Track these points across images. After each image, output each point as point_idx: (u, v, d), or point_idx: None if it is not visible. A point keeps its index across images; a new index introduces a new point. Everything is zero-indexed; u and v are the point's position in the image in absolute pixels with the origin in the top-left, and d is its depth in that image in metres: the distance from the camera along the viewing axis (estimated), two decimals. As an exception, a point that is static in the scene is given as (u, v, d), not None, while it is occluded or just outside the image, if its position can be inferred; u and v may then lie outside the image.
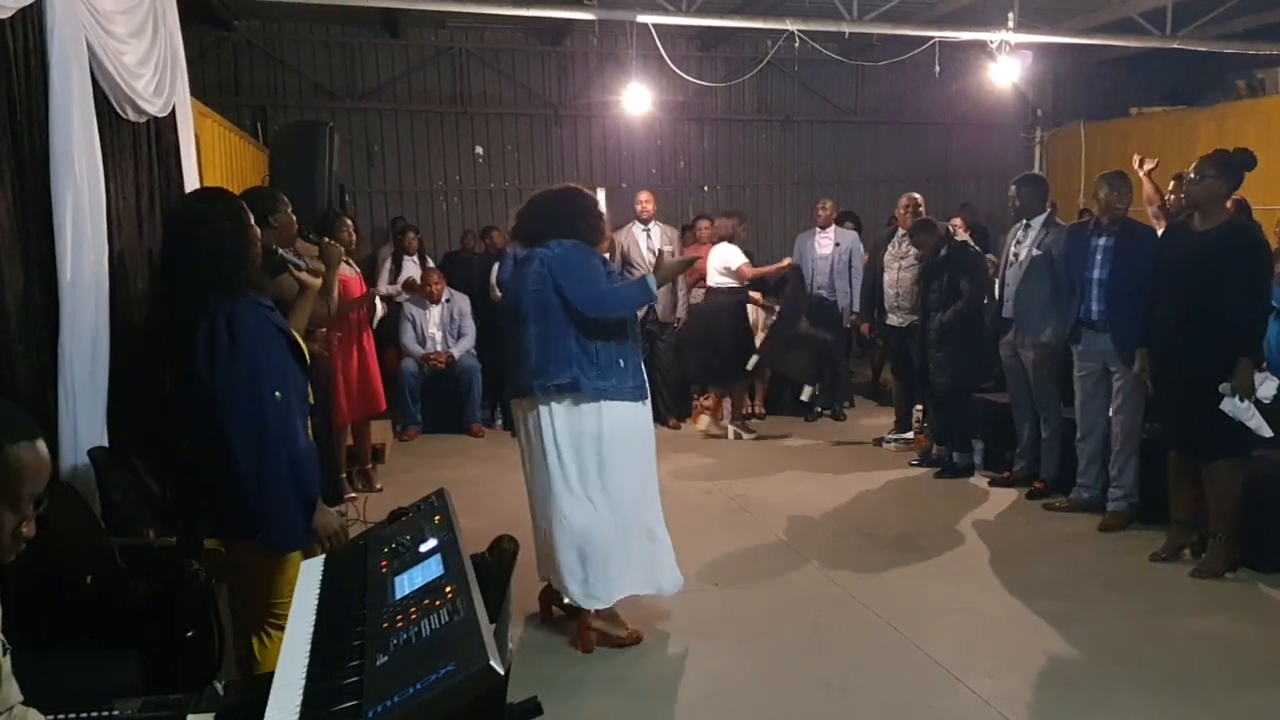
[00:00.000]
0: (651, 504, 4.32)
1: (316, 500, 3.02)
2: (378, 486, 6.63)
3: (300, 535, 2.97)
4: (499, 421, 8.53)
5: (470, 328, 8.48)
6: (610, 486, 4.13)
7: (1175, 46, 9.33)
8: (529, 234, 4.31)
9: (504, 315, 4.45)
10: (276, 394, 2.88)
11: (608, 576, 4.14)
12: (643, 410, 4.24)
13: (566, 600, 4.27)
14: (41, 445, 1.82)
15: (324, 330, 5.14)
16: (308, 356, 3.21)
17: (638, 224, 8.40)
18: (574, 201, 4.31)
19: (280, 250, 3.62)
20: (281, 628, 2.99)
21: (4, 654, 1.84)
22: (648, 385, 4.28)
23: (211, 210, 3.07)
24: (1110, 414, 5.66)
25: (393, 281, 8.73)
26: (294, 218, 4.30)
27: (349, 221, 6.51)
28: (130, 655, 2.92)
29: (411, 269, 8.78)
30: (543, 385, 4.08)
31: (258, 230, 3.13)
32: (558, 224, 4.21)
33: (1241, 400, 4.64)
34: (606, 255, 4.50)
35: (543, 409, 4.11)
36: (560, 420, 4.10)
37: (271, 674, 1.90)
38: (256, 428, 2.86)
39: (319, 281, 3.59)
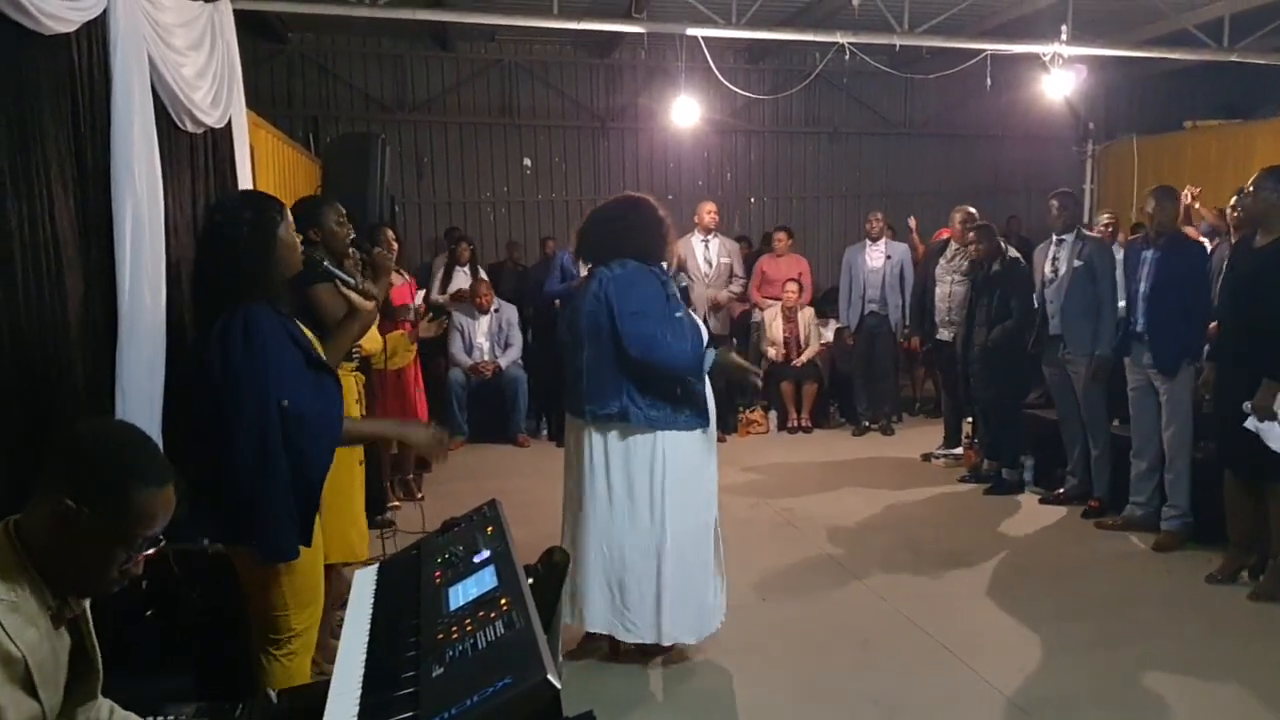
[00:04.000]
0: (704, 540, 4.13)
1: (314, 514, 2.88)
2: (419, 495, 6.66)
3: (291, 548, 2.82)
4: (544, 432, 8.56)
5: (517, 338, 8.53)
6: (663, 520, 3.96)
7: (1233, 60, 9.16)
8: (590, 250, 4.17)
9: (561, 332, 4.29)
10: (284, 402, 2.76)
11: (653, 613, 3.99)
12: (700, 440, 4.05)
13: (589, 629, 4.09)
14: (169, 490, 1.85)
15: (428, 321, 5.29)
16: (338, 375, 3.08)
17: (697, 234, 8.39)
18: (635, 214, 4.10)
19: (327, 263, 3.47)
20: (282, 646, 2.90)
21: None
22: (710, 413, 4.08)
23: (235, 213, 2.96)
24: (1160, 430, 5.58)
25: (443, 291, 8.79)
26: (343, 228, 4.14)
27: (388, 231, 6.56)
28: (184, 661, 2.95)
29: (463, 280, 8.84)
30: (593, 412, 3.95)
31: (291, 239, 2.98)
32: (619, 240, 4.03)
33: (1262, 420, 4.54)
34: (667, 264, 4.29)
35: (595, 434, 3.98)
36: (612, 448, 3.95)
37: (327, 683, 1.91)
38: (259, 431, 2.74)
39: (371, 304, 3.47)
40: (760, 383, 4.01)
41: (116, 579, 1.86)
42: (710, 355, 3.90)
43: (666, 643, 4.09)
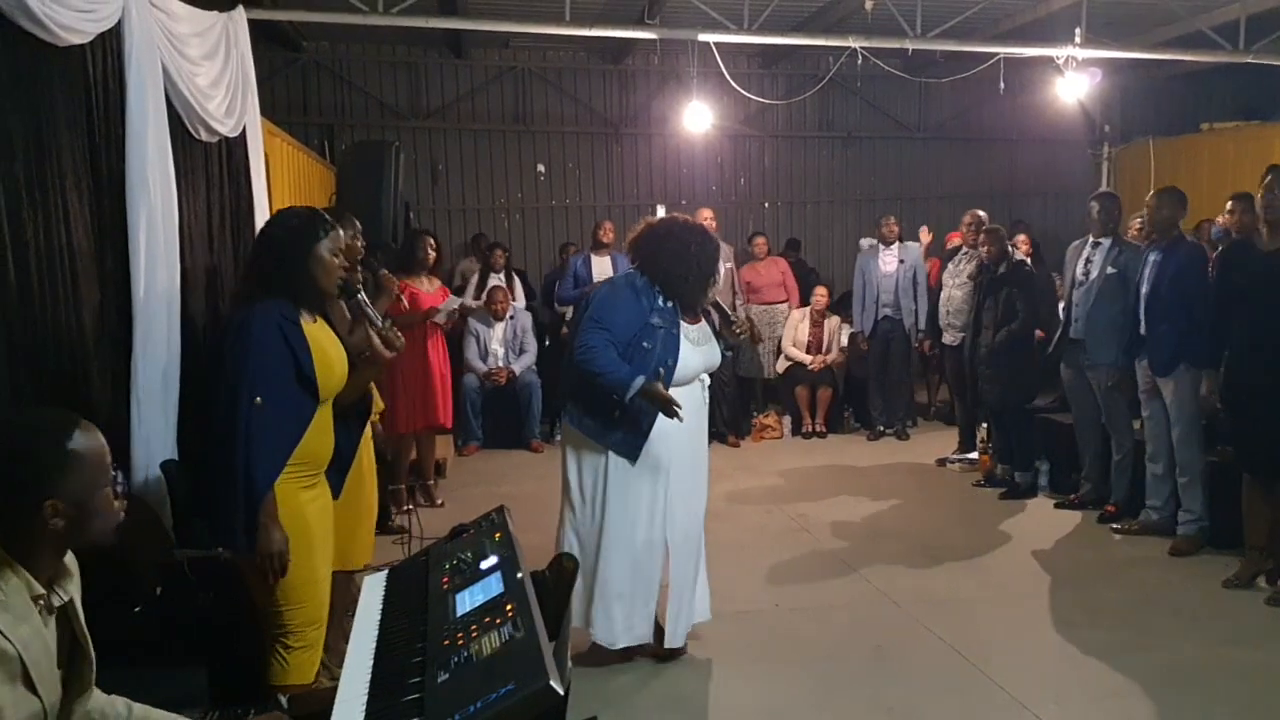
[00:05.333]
0: (647, 558, 4.07)
1: (259, 514, 2.86)
2: (439, 501, 6.69)
3: (235, 540, 2.88)
4: (558, 437, 8.55)
5: (532, 344, 8.56)
6: (601, 523, 4.03)
7: (1249, 61, 9.11)
8: (636, 249, 4.15)
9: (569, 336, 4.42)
10: (257, 399, 2.82)
11: (584, 608, 4.06)
12: (626, 467, 3.98)
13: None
14: (85, 422, 1.92)
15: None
16: (319, 390, 3.03)
17: None
18: (680, 247, 4.01)
19: (363, 296, 3.42)
20: (281, 640, 2.96)
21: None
22: (642, 445, 3.96)
23: (285, 216, 3.11)
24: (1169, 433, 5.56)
25: (478, 297, 8.81)
26: (355, 243, 4.18)
27: (430, 239, 6.65)
28: (197, 666, 2.97)
29: (503, 286, 8.86)
30: (562, 404, 4.16)
31: (329, 260, 3.02)
32: (655, 257, 4.02)
33: None
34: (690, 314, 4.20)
35: (565, 426, 4.18)
36: (570, 445, 4.13)
37: (335, 688, 1.92)
38: (228, 421, 2.83)
39: (392, 355, 3.42)
40: (681, 415, 3.91)
41: (120, 507, 1.95)
42: (638, 382, 3.81)
43: (605, 641, 4.10)
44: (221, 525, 2.90)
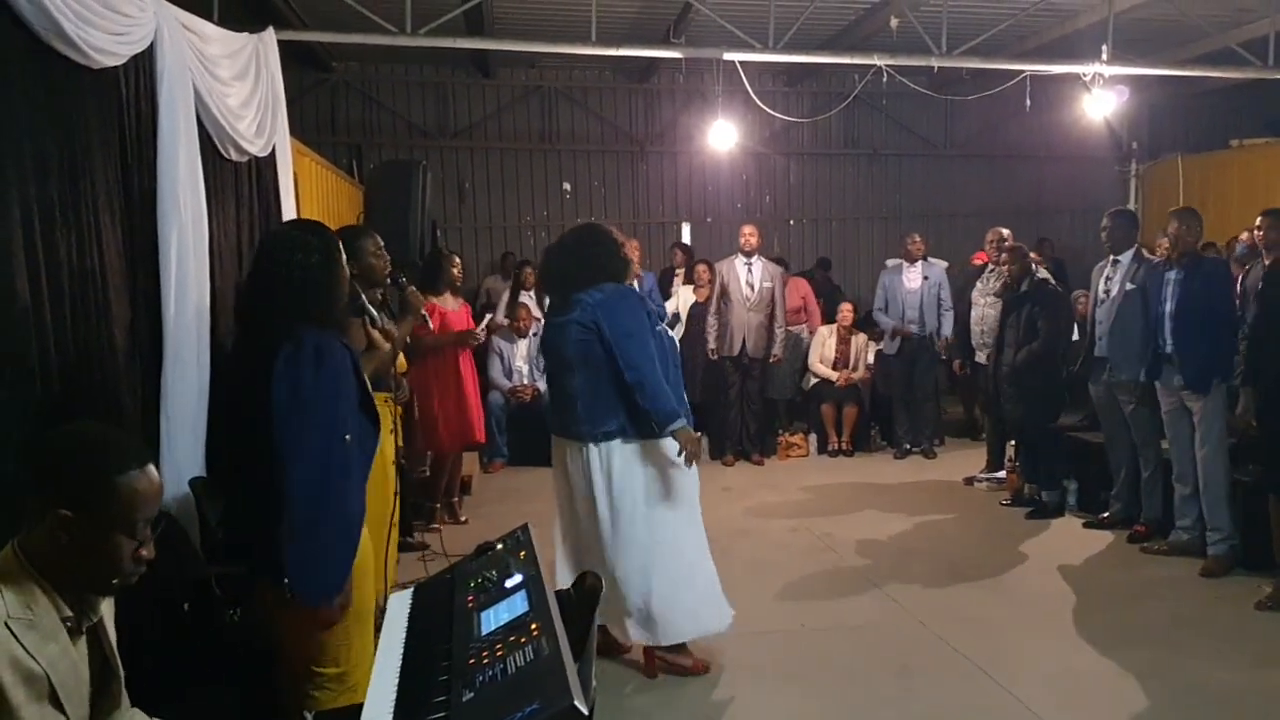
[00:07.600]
0: (698, 537, 4.28)
1: (354, 554, 2.76)
2: (463, 519, 6.70)
3: (332, 589, 2.67)
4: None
5: (556, 361, 8.56)
6: (660, 526, 4.10)
7: (1279, 78, 9.03)
8: (564, 284, 4.20)
9: (545, 357, 4.41)
10: (347, 437, 2.70)
11: (669, 617, 4.12)
12: (676, 470, 4.14)
13: (629, 643, 4.25)
14: (151, 470, 1.91)
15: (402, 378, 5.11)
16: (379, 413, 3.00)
17: (740, 257, 8.40)
18: (597, 244, 4.20)
19: (364, 297, 3.43)
20: (336, 684, 2.75)
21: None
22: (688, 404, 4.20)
23: (304, 240, 2.92)
24: (1195, 452, 5.50)
25: (508, 316, 8.85)
26: (380, 259, 4.20)
27: (457, 259, 6.73)
28: (225, 683, 2.98)
29: (528, 304, 8.92)
30: (591, 432, 4.05)
31: (347, 270, 3.01)
32: (590, 270, 4.12)
33: None
34: (636, 285, 4.44)
35: (593, 453, 4.06)
36: (613, 465, 4.06)
37: (360, 705, 1.93)
38: (320, 463, 2.64)
39: (388, 346, 3.43)
40: (693, 463, 4.12)
41: (132, 567, 1.90)
42: (680, 422, 4.00)
43: (684, 637, 4.21)
44: (324, 579, 2.67)
